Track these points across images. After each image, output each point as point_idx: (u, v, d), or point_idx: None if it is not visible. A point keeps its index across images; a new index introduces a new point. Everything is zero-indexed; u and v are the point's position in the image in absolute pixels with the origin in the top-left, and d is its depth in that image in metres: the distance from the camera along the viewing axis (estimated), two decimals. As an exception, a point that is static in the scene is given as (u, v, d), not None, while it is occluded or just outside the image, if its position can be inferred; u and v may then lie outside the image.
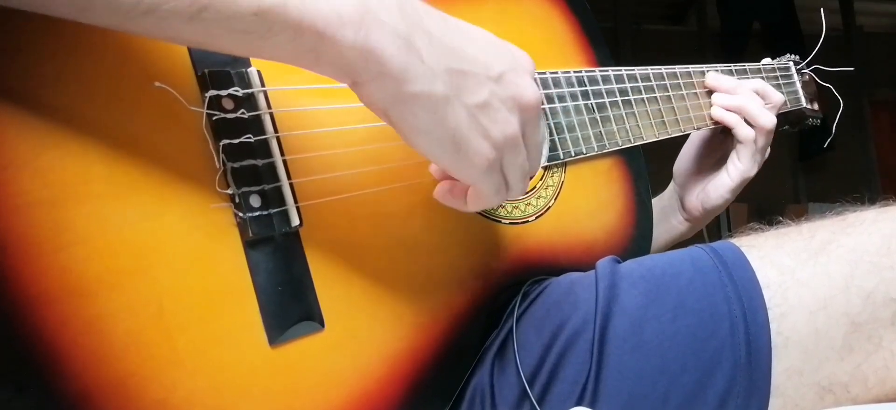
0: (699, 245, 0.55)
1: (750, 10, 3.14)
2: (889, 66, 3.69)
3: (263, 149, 0.42)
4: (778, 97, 0.76)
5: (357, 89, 0.38)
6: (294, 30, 0.34)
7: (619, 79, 0.68)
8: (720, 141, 0.78)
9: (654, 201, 0.80)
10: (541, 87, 0.57)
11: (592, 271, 0.54)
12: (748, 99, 0.74)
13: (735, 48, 3.07)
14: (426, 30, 0.39)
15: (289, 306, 0.41)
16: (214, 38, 0.34)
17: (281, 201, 0.42)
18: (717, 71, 0.77)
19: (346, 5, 0.35)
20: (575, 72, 0.64)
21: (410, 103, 0.37)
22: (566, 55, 0.67)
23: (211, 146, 0.40)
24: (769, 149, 0.76)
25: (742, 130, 0.73)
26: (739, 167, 0.74)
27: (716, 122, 0.75)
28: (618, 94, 0.67)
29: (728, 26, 3.19)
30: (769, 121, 0.73)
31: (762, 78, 0.83)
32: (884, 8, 3.68)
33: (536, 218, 0.58)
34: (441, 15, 0.41)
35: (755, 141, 0.73)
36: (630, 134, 0.67)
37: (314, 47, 0.35)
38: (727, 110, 0.74)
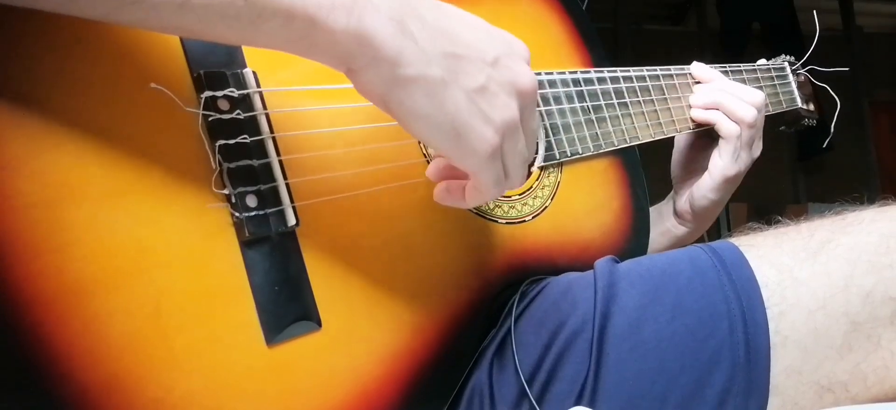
0: (698, 244, 0.55)
1: (750, 10, 3.14)
2: (889, 67, 3.69)
3: (259, 149, 0.42)
4: (756, 96, 0.73)
5: (352, 77, 0.38)
6: (285, 16, 0.34)
7: (614, 79, 0.68)
8: (707, 142, 0.77)
9: (655, 206, 0.80)
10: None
11: (591, 271, 0.54)
12: (725, 94, 0.72)
13: (735, 48, 3.07)
14: (419, 14, 0.38)
15: (285, 306, 0.41)
16: (204, 26, 0.34)
17: (277, 201, 0.42)
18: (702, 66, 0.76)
19: None
20: (570, 73, 0.64)
21: (407, 87, 0.37)
22: (561, 56, 0.67)
23: (207, 147, 0.40)
24: (760, 148, 0.75)
25: (724, 126, 0.72)
26: (719, 164, 0.72)
27: (698, 125, 0.74)
28: (613, 95, 0.67)
29: (728, 27, 3.19)
30: (748, 113, 0.71)
31: (757, 78, 0.83)
32: (884, 8, 3.68)
33: (533, 218, 0.58)
34: (434, 1, 0.41)
35: (738, 136, 0.71)
36: (626, 134, 0.67)
37: (307, 33, 0.35)
38: (706, 109, 0.73)
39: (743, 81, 0.82)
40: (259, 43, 0.36)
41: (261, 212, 0.41)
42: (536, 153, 0.60)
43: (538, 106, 0.51)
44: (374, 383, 0.44)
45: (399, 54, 0.36)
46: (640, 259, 0.57)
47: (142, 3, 0.32)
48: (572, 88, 0.64)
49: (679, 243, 0.79)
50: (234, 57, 0.43)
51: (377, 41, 0.36)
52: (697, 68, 0.76)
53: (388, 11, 0.36)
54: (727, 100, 0.72)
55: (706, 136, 0.76)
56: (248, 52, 0.44)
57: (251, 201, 0.41)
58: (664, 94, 0.72)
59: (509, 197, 0.57)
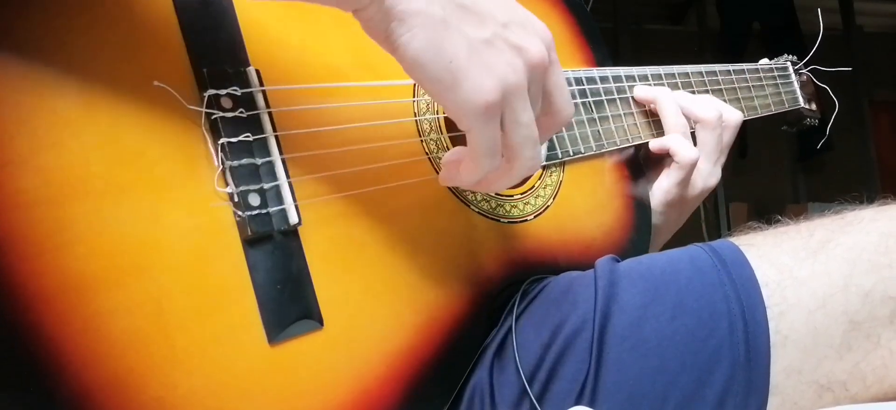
0: (698, 244, 0.55)
1: (750, 10, 3.14)
2: (889, 66, 3.69)
3: (262, 147, 0.42)
4: (706, 113, 0.67)
5: (358, 16, 0.39)
6: None
7: (617, 78, 0.68)
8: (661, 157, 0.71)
9: None
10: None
11: (591, 270, 0.54)
12: (674, 134, 0.67)
13: (735, 48, 3.07)
14: None
15: (288, 304, 0.41)
16: None
17: (280, 200, 0.42)
18: (650, 80, 0.71)
19: None
20: (573, 72, 0.64)
21: (406, 22, 0.38)
22: (564, 55, 0.67)
23: (209, 145, 0.40)
24: (717, 177, 0.69)
25: (682, 153, 0.66)
26: (663, 185, 0.67)
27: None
28: (616, 94, 0.67)
29: (728, 27, 3.19)
30: (689, 155, 0.66)
31: (760, 77, 0.83)
32: (884, 8, 3.68)
33: (535, 217, 0.58)
34: None
35: (693, 164, 0.66)
36: (628, 133, 0.67)
37: None
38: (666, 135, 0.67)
39: (744, 81, 0.82)
40: None
41: (263, 211, 0.41)
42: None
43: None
44: (376, 382, 0.44)
45: None
46: (639, 258, 0.57)
47: None
48: (574, 87, 0.64)
49: None
50: (237, 55, 0.43)
51: None
52: (641, 91, 0.69)
53: None
54: (665, 105, 0.67)
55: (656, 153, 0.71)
56: (252, 51, 0.44)
57: (253, 200, 0.41)
58: (665, 94, 0.72)
59: (511, 196, 0.57)
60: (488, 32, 0.40)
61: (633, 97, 0.69)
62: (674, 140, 0.67)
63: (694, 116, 0.68)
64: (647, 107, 0.70)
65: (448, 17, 0.39)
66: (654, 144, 0.68)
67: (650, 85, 0.71)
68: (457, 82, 0.39)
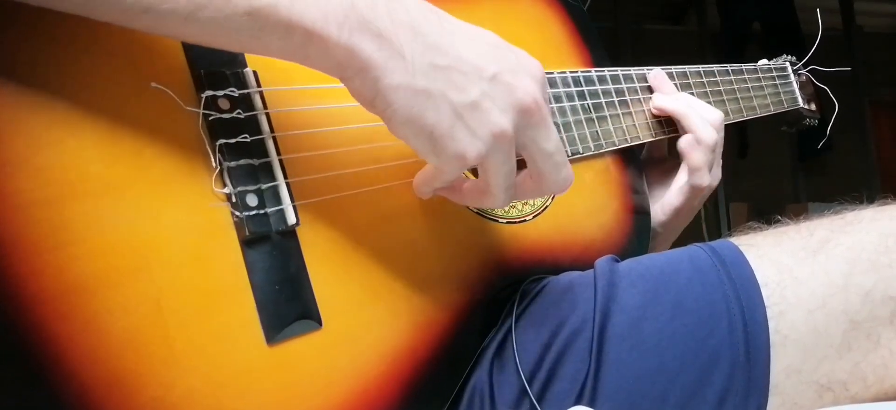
0: (698, 244, 0.55)
1: (750, 10, 3.14)
2: (889, 66, 3.69)
3: (260, 148, 0.42)
4: (715, 115, 0.69)
5: (345, 82, 0.40)
6: (284, 29, 0.37)
7: (615, 79, 0.68)
8: (663, 161, 0.73)
9: None
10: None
11: (591, 270, 0.54)
12: (689, 110, 0.68)
13: (735, 49, 3.07)
14: (412, 26, 0.40)
15: (286, 304, 0.41)
16: (209, 36, 0.37)
17: (278, 200, 0.42)
18: (661, 72, 0.72)
19: (332, 5, 0.37)
20: (571, 72, 0.64)
21: (391, 95, 0.39)
22: (562, 56, 0.67)
23: (207, 146, 0.40)
24: (718, 177, 0.70)
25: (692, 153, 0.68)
26: (680, 185, 0.69)
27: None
28: (614, 94, 0.67)
29: (728, 27, 3.19)
30: (708, 134, 0.67)
31: (759, 78, 0.83)
32: (884, 8, 3.68)
33: (534, 217, 0.58)
34: (438, 16, 0.42)
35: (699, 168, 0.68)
36: (627, 134, 0.67)
37: (303, 45, 0.38)
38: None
39: (743, 81, 0.82)
40: (257, 51, 0.39)
41: (261, 211, 0.41)
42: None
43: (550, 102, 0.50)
44: (375, 382, 0.44)
45: (384, 66, 0.38)
46: (639, 258, 0.57)
47: (151, 13, 0.34)
48: (573, 88, 0.64)
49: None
50: (234, 56, 0.43)
51: (364, 55, 0.38)
52: (656, 78, 0.71)
53: (377, 26, 0.38)
54: (690, 117, 0.68)
55: (661, 154, 0.74)
56: (249, 52, 0.44)
57: (251, 200, 0.41)
58: (664, 94, 0.72)
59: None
60: (475, 94, 0.41)
61: (652, 108, 0.70)
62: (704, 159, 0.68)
63: (698, 137, 0.69)
64: (650, 109, 0.70)
65: (431, 86, 0.40)
66: (684, 143, 0.68)
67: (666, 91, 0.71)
68: (437, 148, 0.41)
